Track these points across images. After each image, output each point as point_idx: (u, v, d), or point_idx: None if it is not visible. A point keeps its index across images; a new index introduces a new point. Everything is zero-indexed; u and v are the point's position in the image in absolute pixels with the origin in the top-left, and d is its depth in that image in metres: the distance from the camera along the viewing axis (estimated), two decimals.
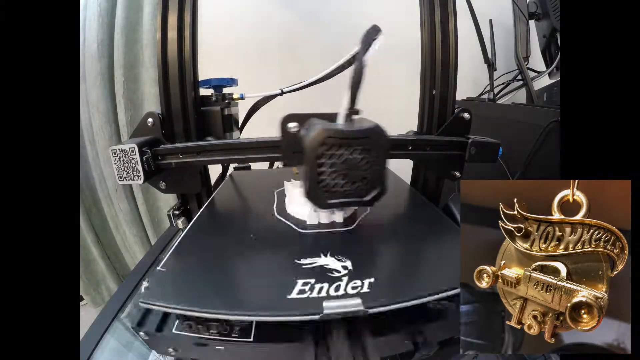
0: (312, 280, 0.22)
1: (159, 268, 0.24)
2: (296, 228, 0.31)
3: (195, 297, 0.21)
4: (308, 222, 0.31)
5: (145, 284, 0.22)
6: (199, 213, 0.35)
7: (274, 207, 0.36)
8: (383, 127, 0.25)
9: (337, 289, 0.21)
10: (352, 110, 0.26)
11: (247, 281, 0.24)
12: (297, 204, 0.33)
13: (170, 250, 0.26)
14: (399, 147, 0.36)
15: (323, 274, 0.23)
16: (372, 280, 0.22)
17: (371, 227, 0.32)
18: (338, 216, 0.32)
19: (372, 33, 0.26)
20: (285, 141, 0.30)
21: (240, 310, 0.20)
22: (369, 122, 0.26)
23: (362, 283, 0.22)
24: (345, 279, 0.22)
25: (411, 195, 0.41)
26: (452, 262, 0.23)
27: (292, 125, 0.29)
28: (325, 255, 0.25)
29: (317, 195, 0.26)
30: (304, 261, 0.24)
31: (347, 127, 0.25)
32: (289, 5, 0.85)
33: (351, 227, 0.31)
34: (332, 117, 0.27)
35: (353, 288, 0.21)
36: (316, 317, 0.19)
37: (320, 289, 0.21)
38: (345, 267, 0.24)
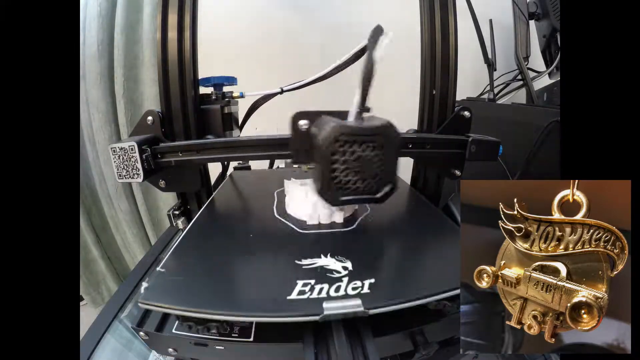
0: (312, 281, 0.22)
1: (158, 268, 0.23)
2: (296, 228, 0.31)
3: (194, 298, 0.21)
4: (308, 223, 0.31)
5: (144, 284, 0.22)
6: (199, 213, 0.35)
7: (274, 207, 0.36)
8: (394, 125, 0.25)
9: (337, 289, 0.21)
10: (363, 108, 0.26)
11: (247, 282, 0.24)
12: (297, 204, 0.33)
13: (170, 251, 0.26)
14: None
15: (323, 275, 0.23)
16: (372, 281, 0.22)
17: (371, 228, 0.31)
18: (338, 216, 0.32)
19: (379, 31, 0.26)
20: (296, 139, 0.29)
21: (239, 311, 0.20)
22: (380, 120, 0.26)
23: (363, 284, 0.22)
24: (345, 279, 0.22)
25: (411, 195, 0.41)
26: (452, 262, 0.23)
27: (303, 123, 0.29)
28: (326, 256, 0.25)
29: (329, 192, 0.26)
30: (304, 262, 0.24)
31: (360, 124, 0.25)
32: (289, 4, 0.85)
33: (351, 228, 0.31)
34: (342, 115, 0.27)
35: (353, 289, 0.21)
36: (316, 317, 0.19)
37: (321, 289, 0.21)
38: (345, 268, 0.23)
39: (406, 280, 0.24)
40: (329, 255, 0.25)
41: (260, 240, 0.29)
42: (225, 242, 0.29)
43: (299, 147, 0.30)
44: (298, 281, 0.22)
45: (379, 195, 0.27)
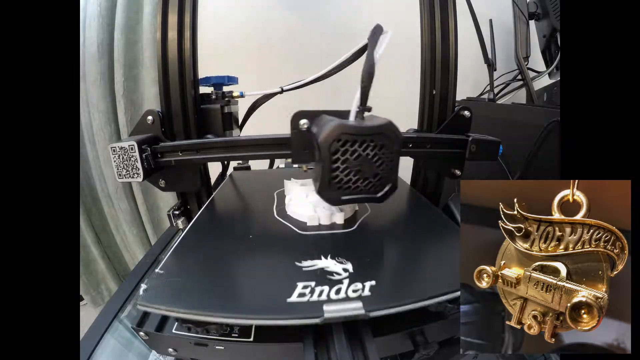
0: (313, 283, 0.22)
1: (157, 270, 0.23)
2: (296, 229, 0.30)
3: (193, 300, 0.21)
4: (308, 224, 0.31)
5: (143, 286, 0.21)
6: (198, 213, 0.35)
7: (274, 207, 0.36)
8: (395, 124, 0.25)
9: (337, 292, 0.21)
10: (364, 108, 0.25)
11: (247, 284, 0.24)
12: (297, 204, 0.33)
13: (169, 252, 0.26)
14: None
15: (323, 277, 0.22)
16: (373, 283, 0.22)
17: (372, 229, 0.31)
18: (339, 217, 0.32)
19: (379, 30, 0.26)
20: (296, 138, 0.30)
21: (239, 314, 0.20)
22: (381, 119, 0.25)
23: (363, 286, 0.21)
24: (346, 281, 0.22)
25: (411, 195, 0.41)
26: (452, 263, 0.23)
27: (303, 122, 0.29)
28: (326, 258, 0.25)
29: (330, 192, 0.26)
30: (304, 263, 0.24)
31: (361, 124, 0.25)
32: (290, 4, 0.85)
33: (352, 229, 0.30)
34: (342, 114, 0.26)
35: (354, 291, 0.21)
36: (317, 320, 0.19)
37: (321, 292, 0.21)
38: (346, 270, 0.23)
39: (407, 282, 0.23)
40: (329, 257, 0.25)
41: (260, 242, 0.29)
42: (224, 244, 0.29)
43: (298, 146, 0.30)
44: (298, 283, 0.22)
45: (379, 194, 0.27)
